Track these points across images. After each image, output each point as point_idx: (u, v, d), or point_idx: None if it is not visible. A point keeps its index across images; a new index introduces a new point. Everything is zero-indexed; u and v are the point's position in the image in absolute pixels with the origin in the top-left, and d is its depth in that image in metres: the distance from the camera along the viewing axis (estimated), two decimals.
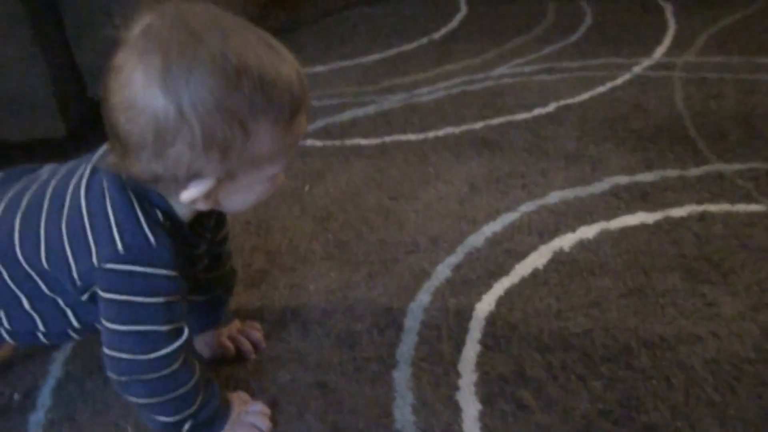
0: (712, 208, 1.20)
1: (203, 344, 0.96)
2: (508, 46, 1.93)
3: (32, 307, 0.81)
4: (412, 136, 1.51)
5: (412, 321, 1.02)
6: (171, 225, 0.76)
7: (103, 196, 0.74)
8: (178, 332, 0.77)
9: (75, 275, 0.75)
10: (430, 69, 1.83)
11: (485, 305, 1.04)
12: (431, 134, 1.52)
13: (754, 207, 1.19)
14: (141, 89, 0.66)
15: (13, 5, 1.29)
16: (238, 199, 0.76)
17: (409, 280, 1.10)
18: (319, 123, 1.59)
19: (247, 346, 0.97)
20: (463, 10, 2.24)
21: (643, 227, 1.18)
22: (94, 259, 0.73)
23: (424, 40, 2.02)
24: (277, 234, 1.23)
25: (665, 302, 1.02)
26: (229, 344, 0.96)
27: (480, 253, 1.15)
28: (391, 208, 1.28)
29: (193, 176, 0.70)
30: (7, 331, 0.84)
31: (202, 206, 0.74)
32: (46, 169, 0.85)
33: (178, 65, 0.65)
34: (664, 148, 1.39)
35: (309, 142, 1.51)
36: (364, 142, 1.51)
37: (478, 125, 1.53)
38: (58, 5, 1.38)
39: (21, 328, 0.83)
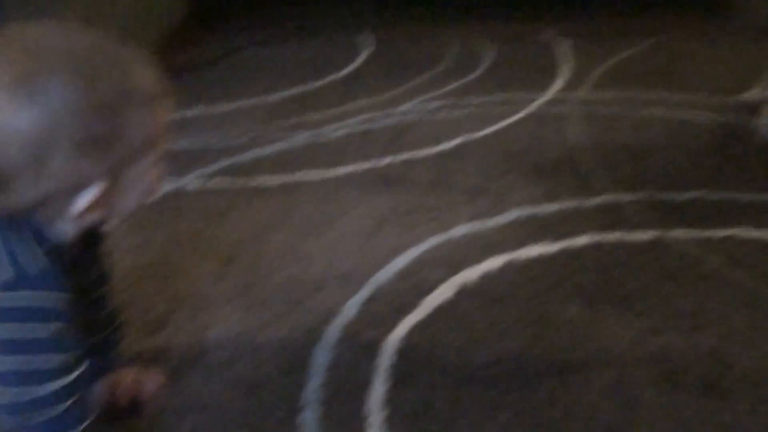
0: (609, 237, 1.24)
1: (99, 391, 0.91)
2: (412, 83, 1.97)
3: None
4: (318, 174, 1.51)
5: (320, 361, 1.00)
6: (56, 251, 0.73)
7: None
8: (69, 366, 0.74)
9: None
10: (335, 107, 1.84)
11: (394, 341, 1.03)
12: (338, 171, 1.52)
13: (646, 235, 1.24)
14: (1, 113, 0.64)
15: None
16: (126, 200, 0.74)
17: (318, 319, 1.09)
18: (223, 163, 1.57)
19: (146, 394, 0.93)
20: (368, 48, 2.27)
21: (545, 257, 1.20)
22: None
23: (330, 79, 2.03)
24: (180, 278, 1.19)
25: (567, 330, 1.04)
26: (128, 391, 0.92)
27: (388, 289, 1.15)
28: (298, 246, 1.27)
29: (77, 187, 0.69)
30: None
31: (93, 217, 0.73)
32: None
33: (34, 76, 0.65)
34: (562, 181, 1.43)
35: (212, 182, 1.49)
36: (269, 181, 1.49)
37: (384, 161, 1.54)
38: None
39: None
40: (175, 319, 1.09)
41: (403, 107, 1.81)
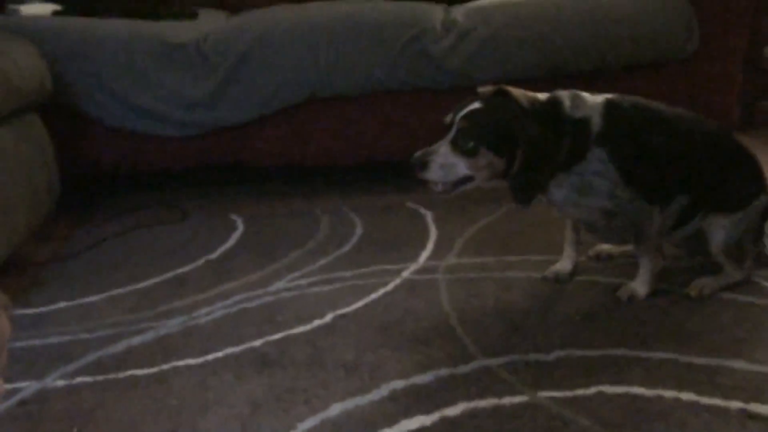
0: (483, 403, 1.26)
1: None
2: (284, 260, 2.00)
3: None
4: (191, 361, 1.48)
5: None
6: None
7: None
8: None
9: None
10: (208, 289, 1.83)
11: None
12: (211, 357, 1.49)
13: (518, 399, 1.27)
14: None
15: None
16: None
17: None
18: (90, 357, 1.51)
19: None
20: (240, 228, 2.30)
21: (422, 430, 1.21)
22: None
23: (202, 261, 2.03)
24: None
25: None
26: None
27: None
28: None
29: None
30: None
31: None
32: None
33: None
34: (436, 349, 1.47)
35: (78, 379, 1.42)
36: (140, 372, 1.44)
37: (258, 342, 1.53)
38: None
39: None
40: None
41: (277, 285, 1.83)
